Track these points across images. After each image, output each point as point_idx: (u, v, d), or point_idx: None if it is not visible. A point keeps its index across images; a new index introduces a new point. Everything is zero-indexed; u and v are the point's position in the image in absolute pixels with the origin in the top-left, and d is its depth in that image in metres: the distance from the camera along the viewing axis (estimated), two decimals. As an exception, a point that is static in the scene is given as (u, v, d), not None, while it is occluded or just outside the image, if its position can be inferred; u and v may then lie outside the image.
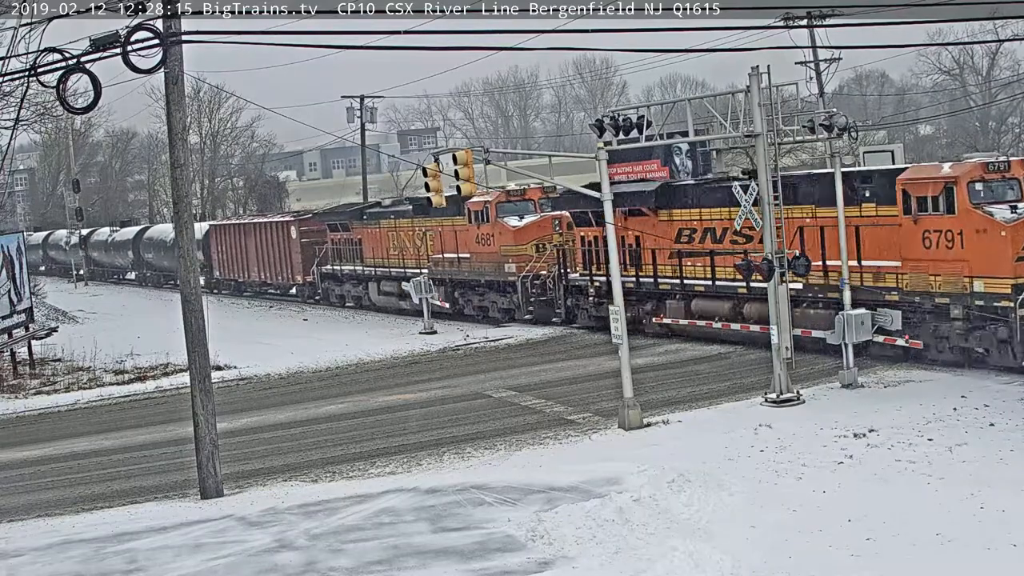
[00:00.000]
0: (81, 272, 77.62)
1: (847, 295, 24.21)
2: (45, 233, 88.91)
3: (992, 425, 19.66)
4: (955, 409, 20.85)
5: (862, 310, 24.19)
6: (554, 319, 36.04)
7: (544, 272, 35.59)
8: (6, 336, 36.17)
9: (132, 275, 74.98)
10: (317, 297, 50.80)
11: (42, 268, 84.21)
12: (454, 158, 22.70)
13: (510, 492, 17.44)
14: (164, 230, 69.10)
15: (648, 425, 21.82)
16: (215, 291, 59.07)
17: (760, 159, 23.05)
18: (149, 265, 70.40)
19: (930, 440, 18.93)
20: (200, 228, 55.83)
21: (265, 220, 55.55)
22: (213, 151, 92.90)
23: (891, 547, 14.34)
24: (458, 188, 22.82)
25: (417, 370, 31.24)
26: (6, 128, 33.22)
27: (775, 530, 15.24)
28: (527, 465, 19.57)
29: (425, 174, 23.54)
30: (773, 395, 22.62)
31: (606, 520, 15.86)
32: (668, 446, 19.97)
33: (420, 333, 37.83)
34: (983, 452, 18.04)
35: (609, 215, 22.65)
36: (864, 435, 19.50)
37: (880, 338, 25.00)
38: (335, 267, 48.18)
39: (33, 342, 38.09)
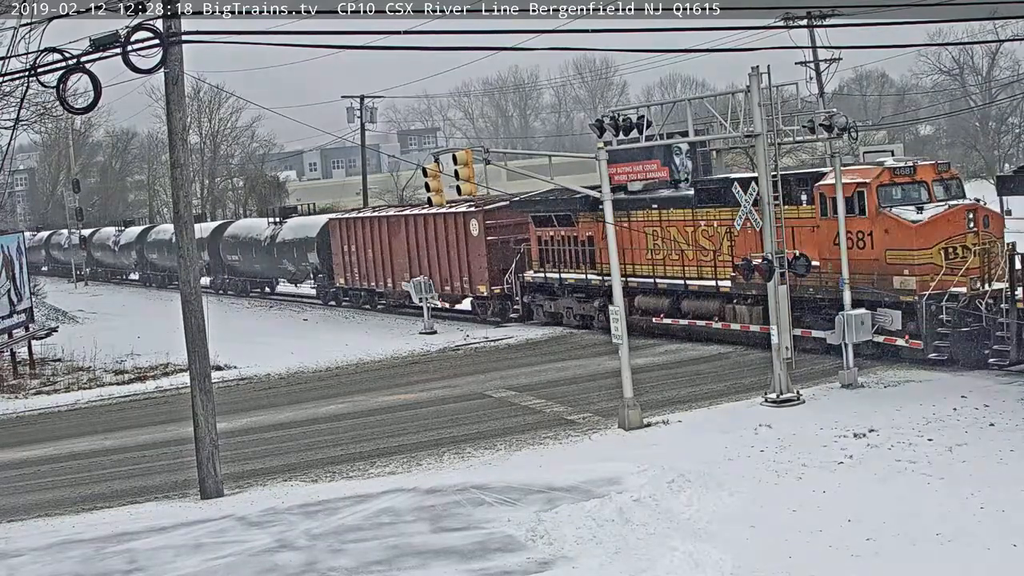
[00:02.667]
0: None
1: (847, 295, 24.23)
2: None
3: (992, 425, 19.66)
4: (955, 409, 20.86)
5: (862, 310, 24.23)
6: (993, 361, 23.75)
7: (962, 289, 24.00)
8: (6, 336, 36.19)
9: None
10: (513, 315, 38.04)
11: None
12: (454, 158, 22.70)
13: (510, 492, 17.44)
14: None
15: (648, 425, 21.83)
16: (333, 302, 48.92)
17: (760, 159, 23.05)
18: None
19: (930, 440, 18.93)
20: (314, 222, 50.61)
21: (427, 212, 40.19)
22: (213, 151, 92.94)
23: (891, 547, 14.34)
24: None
25: (417, 370, 31.24)
26: (6, 128, 33.23)
27: (775, 530, 15.24)
28: (527, 465, 19.57)
29: (425, 174, 23.54)
30: (773, 395, 22.62)
31: (606, 520, 15.86)
32: (668, 446, 19.97)
33: (420, 333, 37.84)
34: (983, 452, 18.04)
35: (609, 215, 22.64)
36: (864, 435, 19.50)
37: (880, 338, 25.09)
38: (547, 274, 35.90)
39: (33, 342, 38.09)
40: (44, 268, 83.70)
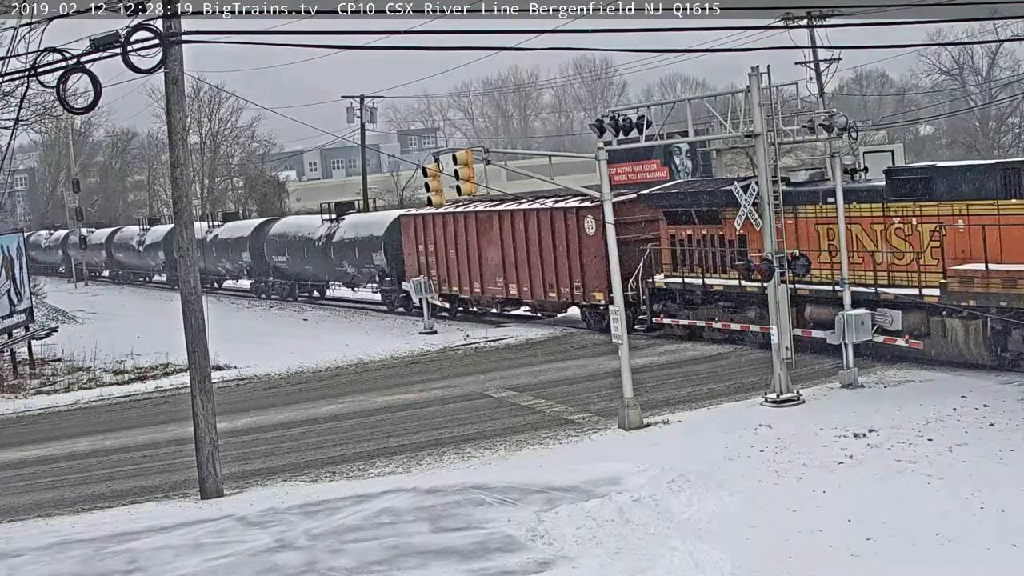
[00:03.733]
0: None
1: (847, 295, 24.25)
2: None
3: (992, 425, 19.66)
4: (955, 409, 20.86)
5: (862, 310, 24.25)
6: None
7: None
8: (6, 336, 36.20)
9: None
10: (639, 326, 32.28)
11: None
12: (454, 158, 22.72)
13: (510, 492, 17.43)
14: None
15: (648, 425, 21.83)
16: (402, 309, 43.52)
17: (760, 159, 23.06)
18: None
19: (930, 440, 18.93)
20: (379, 219, 44.65)
21: (530, 207, 36.04)
22: (213, 151, 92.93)
23: (891, 547, 14.34)
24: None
25: (417, 370, 31.24)
26: (6, 128, 33.22)
27: (775, 530, 15.24)
28: (527, 465, 19.57)
29: (425, 174, 23.55)
30: (773, 395, 22.62)
31: (606, 520, 15.86)
32: (668, 446, 19.97)
33: (420, 333, 37.83)
34: (983, 452, 18.04)
35: (609, 215, 22.65)
36: (864, 435, 19.50)
37: (880, 338, 25.07)
38: (685, 279, 30.53)
39: (33, 342, 38.10)
40: (61, 269, 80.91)
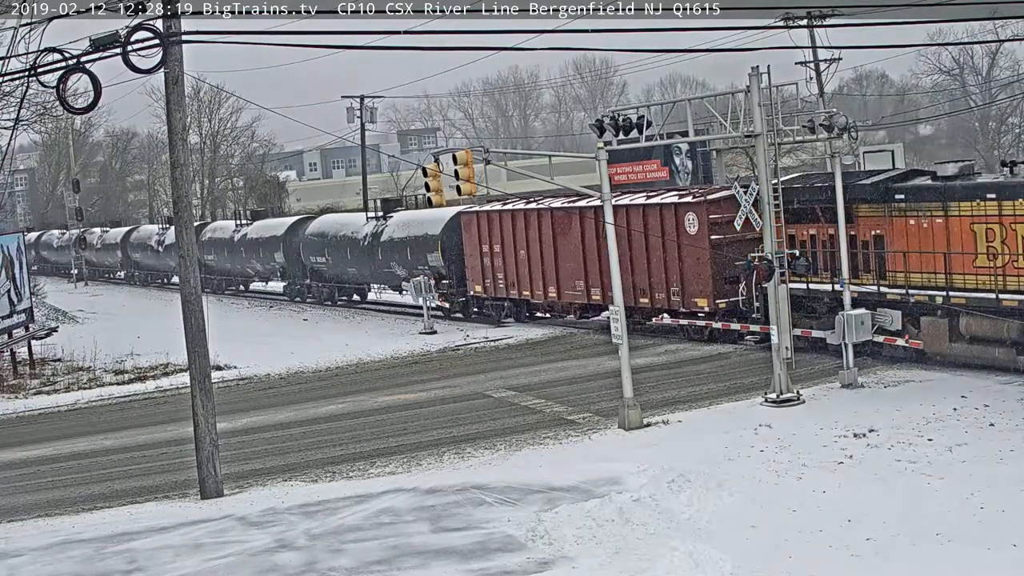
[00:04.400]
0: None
1: (847, 295, 24.25)
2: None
3: (992, 425, 19.67)
4: (955, 409, 20.86)
5: (862, 310, 24.25)
6: None
7: None
8: (6, 336, 36.20)
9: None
10: (750, 337, 29.21)
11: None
12: (454, 158, 22.73)
13: (510, 492, 17.44)
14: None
15: (648, 425, 21.83)
16: (460, 315, 40.18)
17: (760, 159, 23.06)
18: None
19: (930, 440, 18.93)
20: (434, 217, 40.00)
21: (617, 203, 29.40)
22: (213, 151, 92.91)
23: (891, 547, 14.34)
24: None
25: (417, 370, 31.23)
26: (6, 128, 33.21)
27: (775, 530, 15.24)
28: (527, 465, 19.57)
29: (425, 174, 23.56)
30: (773, 395, 22.62)
31: (606, 520, 15.86)
32: (668, 446, 19.97)
33: (420, 333, 37.82)
34: (983, 452, 18.04)
35: (609, 215, 22.65)
36: (864, 435, 19.51)
37: (880, 338, 25.08)
38: (809, 284, 26.76)
39: (33, 342, 38.10)
40: (74, 271, 78.06)
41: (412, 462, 20.90)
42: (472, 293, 39.10)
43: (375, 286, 47.76)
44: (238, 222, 57.34)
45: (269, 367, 33.34)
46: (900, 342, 25.14)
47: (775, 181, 23.42)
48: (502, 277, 37.23)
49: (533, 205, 36.55)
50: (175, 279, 58.91)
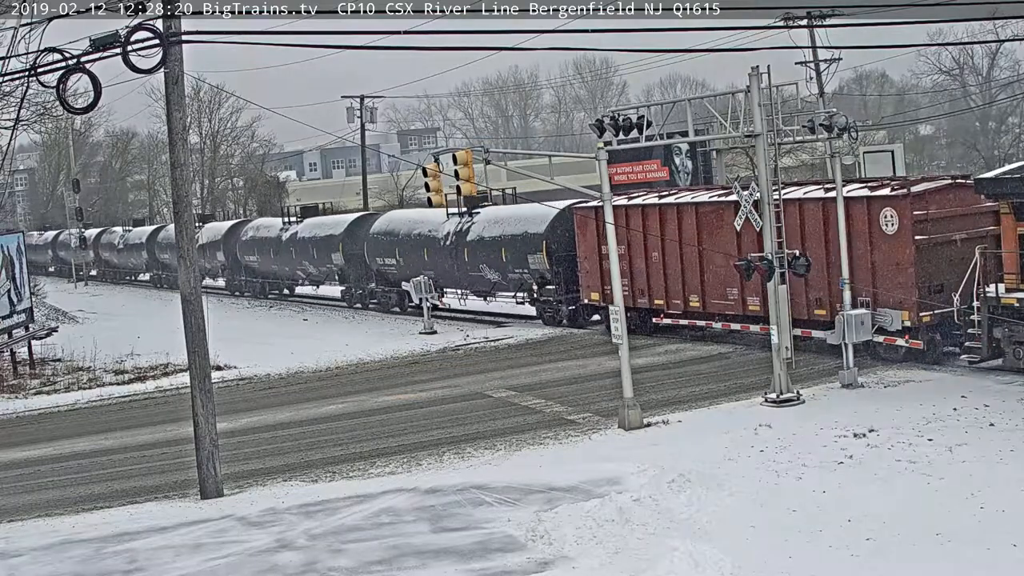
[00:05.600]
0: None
1: (847, 295, 24.25)
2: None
3: (992, 425, 19.66)
4: (955, 409, 20.86)
5: (862, 310, 24.26)
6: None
7: None
8: (6, 336, 36.21)
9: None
10: (969, 356, 23.60)
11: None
12: (454, 158, 22.74)
13: (510, 492, 17.44)
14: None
15: (648, 425, 21.83)
16: (566, 323, 35.37)
17: (760, 159, 23.06)
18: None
19: (930, 440, 18.93)
20: (536, 214, 35.66)
21: (787, 195, 25.85)
22: (213, 151, 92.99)
23: (891, 547, 14.34)
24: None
25: (417, 370, 31.23)
26: (6, 128, 33.18)
27: (775, 530, 15.24)
28: (527, 465, 19.57)
29: (425, 174, 23.57)
30: (773, 395, 22.62)
31: (606, 520, 15.86)
32: (668, 446, 19.97)
33: (420, 333, 37.82)
34: (983, 452, 18.04)
35: (610, 215, 22.65)
36: (864, 435, 19.50)
37: (880, 338, 25.09)
38: None
39: (33, 342, 38.10)
40: (93, 272, 77.85)
41: (412, 462, 20.90)
42: (587, 301, 34.02)
43: (456, 291, 41.07)
44: (285, 220, 52.50)
45: (269, 367, 33.34)
46: (900, 342, 25.12)
47: (775, 180, 23.43)
48: (627, 283, 31.19)
49: (667, 200, 31.27)
50: (208, 281, 56.25)
